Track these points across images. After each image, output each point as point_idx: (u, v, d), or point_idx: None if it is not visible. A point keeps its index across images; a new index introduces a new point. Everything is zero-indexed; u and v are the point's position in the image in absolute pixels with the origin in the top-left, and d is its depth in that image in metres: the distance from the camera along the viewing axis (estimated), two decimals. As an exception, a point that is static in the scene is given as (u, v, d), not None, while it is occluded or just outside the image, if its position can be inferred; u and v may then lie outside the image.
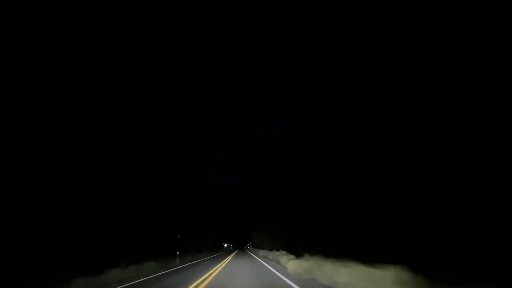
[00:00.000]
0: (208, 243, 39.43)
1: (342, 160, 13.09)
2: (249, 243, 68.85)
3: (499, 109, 6.74)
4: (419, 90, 9.32)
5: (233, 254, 31.47)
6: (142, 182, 17.90)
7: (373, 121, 13.39)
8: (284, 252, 13.83)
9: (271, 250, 21.11)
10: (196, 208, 34.02)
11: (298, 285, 6.33)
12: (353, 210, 11.49)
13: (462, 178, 7.35)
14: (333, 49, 15.21)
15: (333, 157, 13.76)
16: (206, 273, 10.16)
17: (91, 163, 12.19)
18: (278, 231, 20.73)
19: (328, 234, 12.53)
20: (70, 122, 11.28)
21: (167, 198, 23.40)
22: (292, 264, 8.72)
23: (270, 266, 12.27)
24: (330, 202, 13.14)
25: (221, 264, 14.93)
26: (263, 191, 26.39)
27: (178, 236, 16.50)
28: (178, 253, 16.30)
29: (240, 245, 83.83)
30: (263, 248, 29.15)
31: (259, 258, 19.71)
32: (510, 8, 6.30)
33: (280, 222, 19.88)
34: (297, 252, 11.60)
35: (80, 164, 11.52)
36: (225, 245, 72.35)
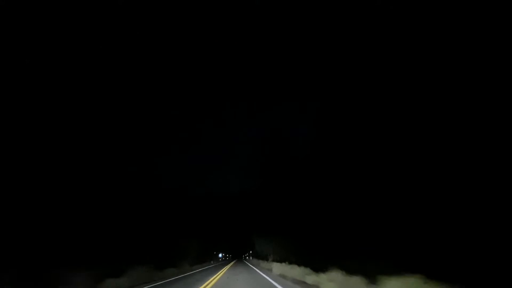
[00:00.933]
0: (192, 254, 27.31)
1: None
2: (249, 252, 57.55)
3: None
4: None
5: (223, 271, 19.20)
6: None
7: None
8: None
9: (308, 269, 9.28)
10: (180, 213, 25.16)
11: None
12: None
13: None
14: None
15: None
16: None
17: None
18: (286, 238, 17.13)
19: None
20: (69, 122, 10.99)
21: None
22: None
23: None
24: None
25: None
26: (267, 190, 22.98)
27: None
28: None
29: (238, 255, 73.12)
30: (272, 260, 20.25)
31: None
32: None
33: (290, 228, 16.59)
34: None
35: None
36: (220, 255, 60.78)
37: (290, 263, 12.54)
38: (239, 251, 74.39)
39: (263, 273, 12.79)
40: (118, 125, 15.03)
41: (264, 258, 27.99)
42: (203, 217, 36.25)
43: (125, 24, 13.23)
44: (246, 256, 66.40)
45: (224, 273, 15.24)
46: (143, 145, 18.68)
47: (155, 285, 10.41)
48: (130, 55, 14.88)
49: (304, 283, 8.08)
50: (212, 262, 39.49)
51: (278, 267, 12.54)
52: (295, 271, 9.63)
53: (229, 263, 37.12)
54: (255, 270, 16.61)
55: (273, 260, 20.47)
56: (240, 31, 18.60)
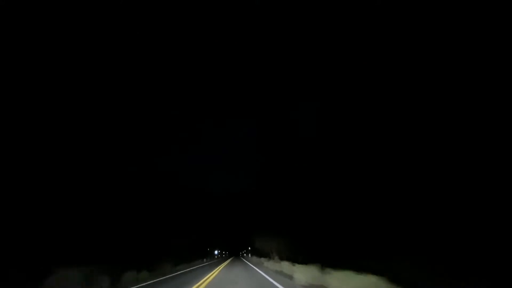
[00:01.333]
0: (178, 251, 22.23)
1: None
2: (247, 248, 53.03)
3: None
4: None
5: (214, 273, 14.01)
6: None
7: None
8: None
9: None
10: (162, 206, 21.58)
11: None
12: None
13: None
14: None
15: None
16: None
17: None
18: (292, 236, 15.00)
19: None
20: (69, 122, 10.64)
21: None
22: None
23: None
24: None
25: None
26: (268, 188, 21.54)
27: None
28: None
29: (236, 252, 69.80)
30: (278, 258, 16.88)
31: None
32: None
33: (296, 225, 14.72)
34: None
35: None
36: (216, 252, 57.25)
37: (323, 266, 7.35)
38: (237, 247, 70.39)
39: (279, 284, 7.52)
40: (118, 125, 14.86)
41: (266, 255, 23.73)
42: (195, 212, 31.82)
43: (125, 25, 13.23)
44: (244, 253, 62.39)
45: (213, 279, 9.99)
46: (143, 145, 18.52)
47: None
48: (131, 55, 14.85)
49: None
50: (205, 260, 34.45)
51: (304, 273, 7.29)
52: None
53: (225, 261, 32.09)
54: (261, 274, 11.37)
55: (283, 259, 15.35)
56: (240, 31, 18.44)
